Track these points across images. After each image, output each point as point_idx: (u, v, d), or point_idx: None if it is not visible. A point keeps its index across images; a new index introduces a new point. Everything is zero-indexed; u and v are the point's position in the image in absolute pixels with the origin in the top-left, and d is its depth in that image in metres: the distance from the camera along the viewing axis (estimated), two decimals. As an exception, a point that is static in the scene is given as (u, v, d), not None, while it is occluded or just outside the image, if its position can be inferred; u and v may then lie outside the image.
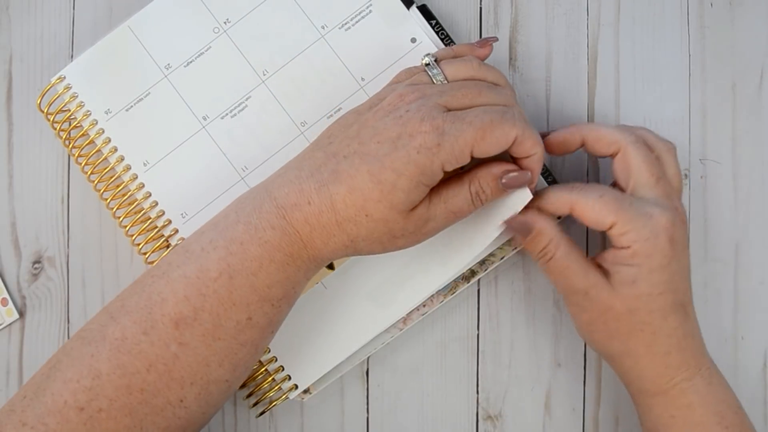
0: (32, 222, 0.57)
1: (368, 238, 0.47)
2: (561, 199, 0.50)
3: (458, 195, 0.48)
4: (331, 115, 0.54)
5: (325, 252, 0.47)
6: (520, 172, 0.48)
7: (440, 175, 0.46)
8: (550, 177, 0.54)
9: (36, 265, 0.57)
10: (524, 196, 0.49)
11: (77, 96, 0.54)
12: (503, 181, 0.48)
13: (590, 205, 0.48)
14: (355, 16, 0.54)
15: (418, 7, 0.54)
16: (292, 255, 0.47)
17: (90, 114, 0.54)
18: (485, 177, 0.48)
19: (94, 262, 0.57)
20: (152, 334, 0.45)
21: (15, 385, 0.56)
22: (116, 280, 0.57)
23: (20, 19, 0.57)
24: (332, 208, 0.46)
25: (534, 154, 0.48)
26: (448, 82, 0.49)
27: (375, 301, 0.54)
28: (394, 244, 0.48)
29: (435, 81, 0.49)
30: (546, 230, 0.49)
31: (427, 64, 0.49)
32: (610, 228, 0.48)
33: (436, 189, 0.47)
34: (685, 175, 0.57)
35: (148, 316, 0.45)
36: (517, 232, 0.50)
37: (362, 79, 0.54)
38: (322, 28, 0.54)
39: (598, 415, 0.57)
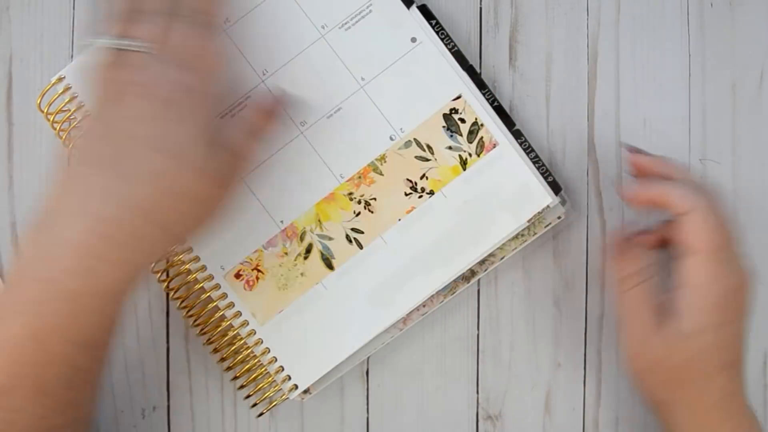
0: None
1: (182, 217, 0.45)
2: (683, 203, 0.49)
3: (237, 138, 0.49)
4: (331, 115, 0.54)
5: (142, 259, 0.45)
6: (281, 97, 0.53)
7: (214, 120, 0.48)
8: (550, 177, 0.54)
9: (36, 265, 0.57)
10: (542, 200, 0.49)
11: (77, 96, 0.54)
12: (259, 104, 0.52)
13: (710, 217, 0.48)
14: (355, 16, 0.54)
15: (418, 7, 0.54)
16: (106, 290, 0.44)
17: (90, 114, 0.54)
18: (250, 112, 0.51)
19: (94, 262, 0.57)
20: None
21: (15, 385, 0.56)
22: (116, 280, 0.57)
23: (20, 19, 0.57)
24: (138, 209, 0.43)
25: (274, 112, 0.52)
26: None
27: (375, 302, 0.54)
28: (206, 211, 0.47)
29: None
30: (636, 260, 0.49)
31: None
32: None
33: (216, 141, 0.47)
34: (686, 175, 0.57)
35: None
36: (611, 249, 0.50)
37: (362, 78, 0.54)
38: (322, 27, 0.54)
39: (598, 415, 0.57)
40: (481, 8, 0.58)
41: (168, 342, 0.57)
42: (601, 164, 0.57)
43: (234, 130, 0.49)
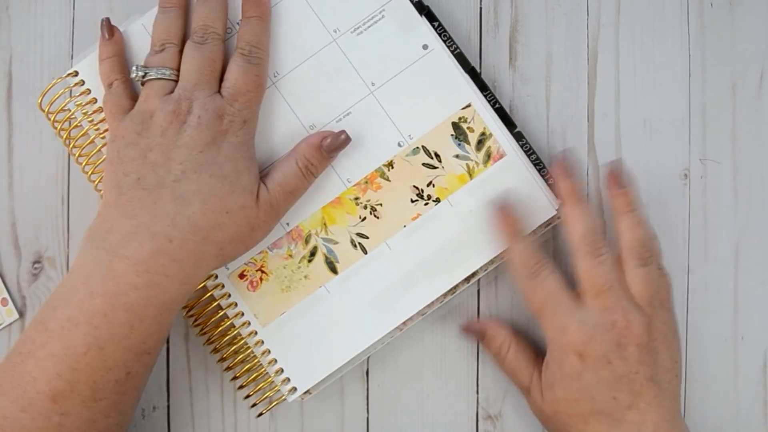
0: (32, 222, 0.57)
1: (233, 238, 0.49)
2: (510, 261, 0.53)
3: (290, 174, 0.51)
4: (340, 119, 0.54)
5: (198, 276, 0.48)
6: (335, 135, 0.52)
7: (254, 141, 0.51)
8: (551, 180, 0.54)
9: (36, 265, 0.57)
10: (547, 212, 0.52)
11: (90, 92, 0.54)
12: (324, 146, 0.51)
13: (522, 287, 0.52)
14: (368, 21, 0.54)
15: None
16: (164, 303, 0.47)
17: (90, 114, 0.54)
18: (308, 150, 0.51)
19: (94, 263, 0.57)
20: (31, 410, 0.45)
21: (15, 385, 0.56)
22: (116, 280, 0.57)
23: (20, 19, 0.57)
24: (195, 228, 0.47)
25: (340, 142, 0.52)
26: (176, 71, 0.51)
27: (377, 307, 0.54)
28: (254, 238, 0.50)
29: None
30: (497, 334, 0.54)
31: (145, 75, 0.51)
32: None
33: (268, 175, 0.51)
34: (685, 175, 0.57)
35: (24, 394, 0.46)
36: (472, 334, 0.56)
37: (372, 84, 0.54)
38: (335, 31, 0.54)
39: (598, 414, 0.57)
40: (481, 8, 0.58)
41: (168, 342, 0.57)
42: (601, 164, 0.57)
43: (287, 165, 0.51)
